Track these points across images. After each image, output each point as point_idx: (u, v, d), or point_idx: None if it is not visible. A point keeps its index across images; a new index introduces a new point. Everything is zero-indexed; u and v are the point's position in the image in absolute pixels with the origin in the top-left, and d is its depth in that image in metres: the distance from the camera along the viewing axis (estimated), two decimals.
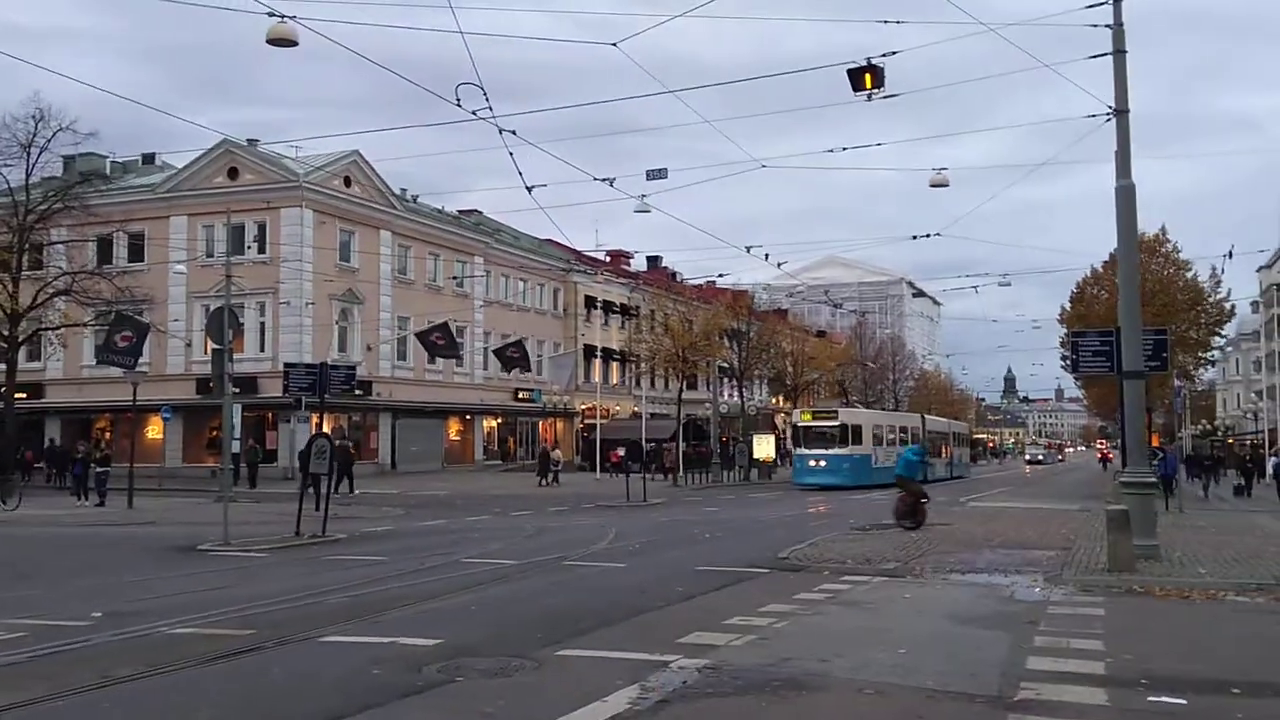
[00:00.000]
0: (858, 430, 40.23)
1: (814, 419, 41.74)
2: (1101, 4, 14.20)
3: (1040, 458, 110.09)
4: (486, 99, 16.48)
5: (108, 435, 43.83)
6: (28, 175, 34.93)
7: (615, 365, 65.25)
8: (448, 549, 16.28)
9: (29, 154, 34.30)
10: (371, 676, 7.24)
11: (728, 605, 10.37)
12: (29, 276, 36.20)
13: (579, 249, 60.04)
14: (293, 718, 6.29)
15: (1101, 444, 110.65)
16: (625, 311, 65.72)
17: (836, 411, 42.58)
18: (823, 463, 39.45)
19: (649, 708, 6.38)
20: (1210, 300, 40.60)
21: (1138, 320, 14.40)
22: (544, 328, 60.07)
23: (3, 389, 35.76)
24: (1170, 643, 8.83)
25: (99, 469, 27.76)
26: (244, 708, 6.47)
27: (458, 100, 16.20)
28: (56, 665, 7.60)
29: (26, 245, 35.99)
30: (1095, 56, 14.68)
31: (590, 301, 63.64)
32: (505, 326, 54.37)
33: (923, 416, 52.75)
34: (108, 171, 45.84)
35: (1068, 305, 46.47)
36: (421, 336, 40.75)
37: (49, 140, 34.26)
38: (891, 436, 43.41)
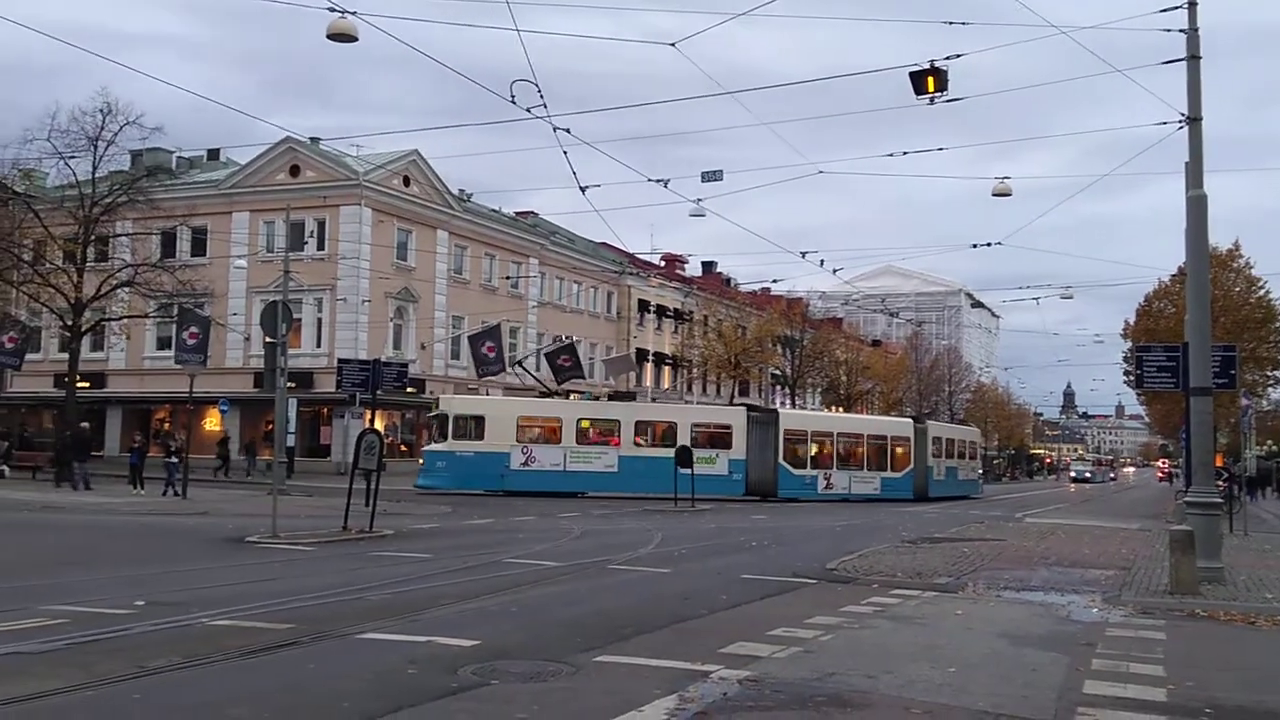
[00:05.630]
0: (471, 422, 34.13)
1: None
2: (1176, 8, 13.80)
3: (1087, 475, 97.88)
4: (541, 95, 16.46)
5: (167, 425, 44.61)
6: (94, 168, 35.55)
7: (667, 370, 65.09)
8: (492, 549, 16.21)
9: (96, 147, 34.89)
10: (407, 676, 7.13)
11: (772, 616, 10.15)
12: (94, 268, 36.84)
13: (634, 253, 60.08)
14: (326, 717, 6.18)
15: (1163, 463, 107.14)
16: (679, 316, 65.49)
17: (437, 399, 36.74)
18: (421, 460, 35.16)
19: None
20: None
21: (1207, 335, 13.91)
22: (597, 330, 60.07)
23: (65, 377, 36.52)
24: (1235, 670, 8.45)
25: (168, 459, 28.21)
26: (277, 704, 6.37)
27: (512, 97, 16.18)
28: (93, 654, 7.57)
29: (92, 237, 36.68)
30: (1169, 62, 14.29)
31: (644, 305, 63.55)
32: (558, 328, 54.47)
33: (750, 410, 39.38)
34: (173, 166, 46.64)
35: (1132, 319, 45.64)
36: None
37: (116, 134, 34.82)
38: (607, 429, 35.27)
